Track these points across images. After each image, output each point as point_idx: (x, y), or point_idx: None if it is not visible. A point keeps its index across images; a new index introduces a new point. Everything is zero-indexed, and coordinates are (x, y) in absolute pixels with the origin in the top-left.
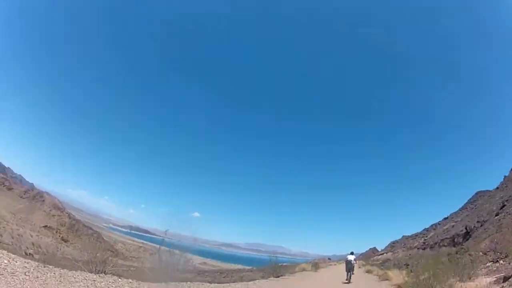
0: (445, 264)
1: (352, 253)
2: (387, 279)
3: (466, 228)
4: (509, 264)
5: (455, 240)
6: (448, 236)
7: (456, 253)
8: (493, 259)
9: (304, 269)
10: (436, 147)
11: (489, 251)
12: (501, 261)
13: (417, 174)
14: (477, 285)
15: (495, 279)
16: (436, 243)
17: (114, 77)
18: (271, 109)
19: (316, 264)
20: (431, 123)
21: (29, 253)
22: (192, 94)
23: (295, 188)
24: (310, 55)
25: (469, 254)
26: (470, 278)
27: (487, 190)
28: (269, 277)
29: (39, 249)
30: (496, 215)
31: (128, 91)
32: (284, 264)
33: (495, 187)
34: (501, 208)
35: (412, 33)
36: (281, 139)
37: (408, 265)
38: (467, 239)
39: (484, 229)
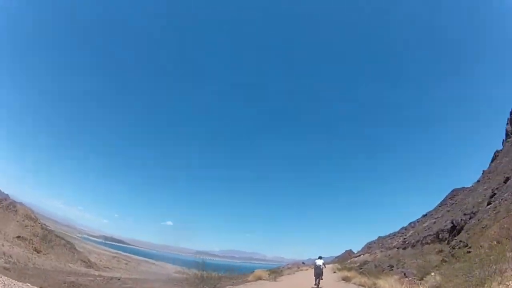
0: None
1: (320, 258)
2: None
3: (452, 223)
4: None
5: (440, 236)
6: (431, 233)
7: (454, 248)
8: None
9: (259, 278)
10: (406, 148)
11: (506, 239)
12: None
13: (387, 176)
14: None
15: None
16: (418, 241)
17: (82, 83)
18: (248, 112)
19: (276, 271)
20: (402, 125)
21: None
22: (168, 105)
23: (269, 194)
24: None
25: (480, 246)
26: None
27: (463, 187)
28: None
29: (10, 259)
30: (488, 204)
31: (103, 99)
32: (262, 269)
33: (473, 182)
34: (491, 197)
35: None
36: (253, 142)
37: (393, 266)
38: (456, 234)
39: (478, 220)
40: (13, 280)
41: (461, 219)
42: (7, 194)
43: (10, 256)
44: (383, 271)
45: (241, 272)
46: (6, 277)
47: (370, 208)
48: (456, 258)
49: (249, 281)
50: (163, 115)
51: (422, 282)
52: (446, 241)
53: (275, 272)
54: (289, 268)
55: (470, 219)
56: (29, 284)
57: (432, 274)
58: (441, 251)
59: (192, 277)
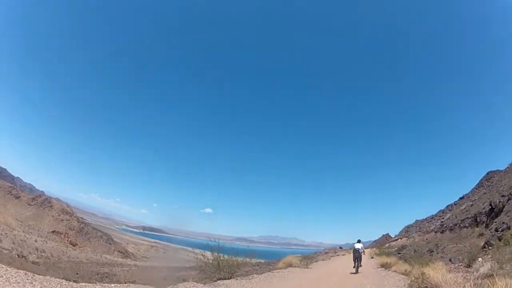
0: None
1: (359, 241)
2: None
3: (491, 205)
4: None
5: (478, 219)
6: (468, 216)
7: (497, 230)
8: None
9: (290, 265)
10: (441, 133)
11: None
12: None
13: (424, 159)
14: None
15: None
16: (455, 225)
17: (119, 80)
18: (276, 107)
19: (309, 257)
20: (437, 109)
21: (22, 256)
22: (198, 94)
23: (308, 178)
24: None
25: None
26: None
27: (497, 170)
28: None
29: (42, 254)
30: None
31: (136, 91)
32: (299, 254)
33: (508, 164)
34: None
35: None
36: (285, 131)
37: (433, 251)
38: (494, 216)
39: None
40: (30, 273)
41: (499, 201)
42: (42, 191)
43: (43, 251)
44: (422, 256)
45: (277, 257)
46: (24, 271)
47: (407, 191)
48: (503, 242)
49: (278, 268)
50: (198, 108)
51: (471, 269)
52: (484, 224)
53: (308, 257)
54: (325, 253)
55: (508, 200)
56: (52, 277)
57: (480, 259)
58: (481, 234)
59: (204, 264)
